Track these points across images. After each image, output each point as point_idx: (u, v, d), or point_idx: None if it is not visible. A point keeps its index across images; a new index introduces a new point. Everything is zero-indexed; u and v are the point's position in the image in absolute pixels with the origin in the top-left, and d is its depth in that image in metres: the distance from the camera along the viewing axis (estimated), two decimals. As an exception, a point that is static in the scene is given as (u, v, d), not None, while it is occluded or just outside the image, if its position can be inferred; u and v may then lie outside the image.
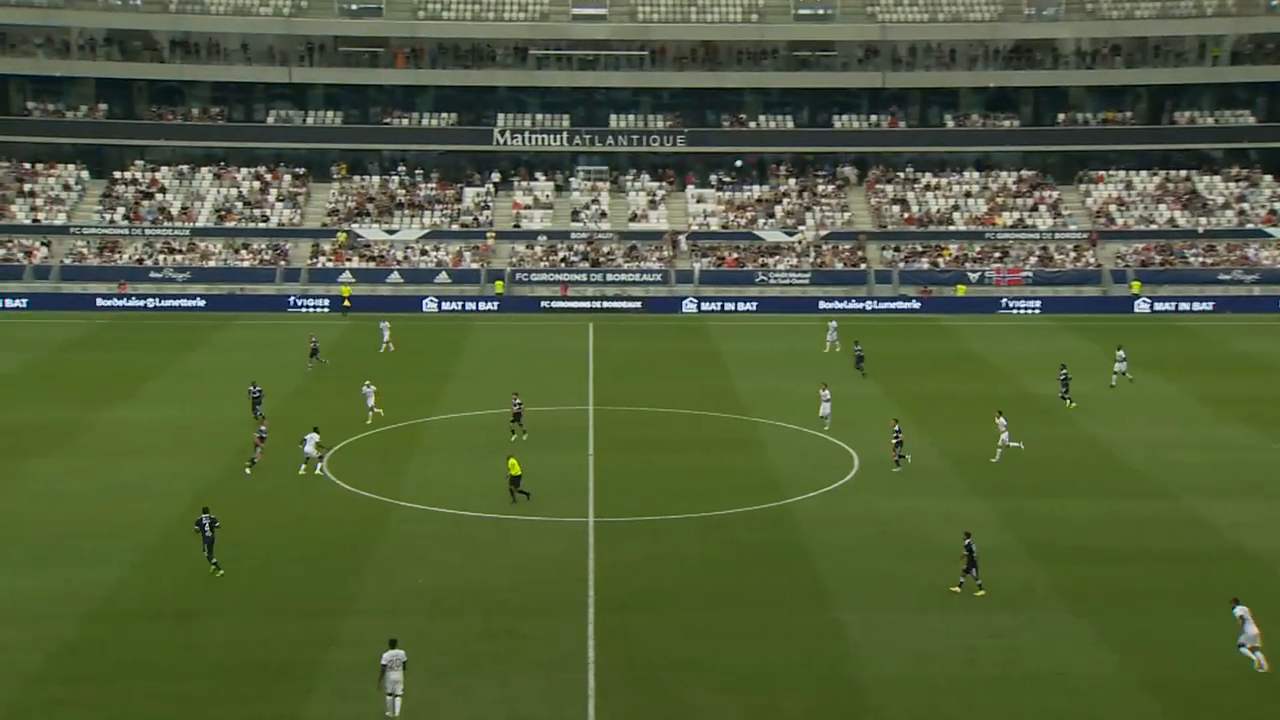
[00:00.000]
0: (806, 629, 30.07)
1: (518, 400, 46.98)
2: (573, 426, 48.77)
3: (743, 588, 32.65)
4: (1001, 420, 43.96)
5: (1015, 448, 43.51)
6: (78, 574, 32.80)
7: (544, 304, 77.08)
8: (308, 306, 76.14)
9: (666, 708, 26.24)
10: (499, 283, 78.19)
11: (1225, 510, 38.56)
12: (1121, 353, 55.83)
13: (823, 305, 75.85)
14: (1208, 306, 75.95)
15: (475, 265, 79.98)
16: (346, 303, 74.77)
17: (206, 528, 33.15)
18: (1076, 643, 29.36)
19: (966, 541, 32.09)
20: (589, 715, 25.89)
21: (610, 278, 79.24)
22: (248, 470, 41.70)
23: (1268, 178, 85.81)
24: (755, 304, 77.03)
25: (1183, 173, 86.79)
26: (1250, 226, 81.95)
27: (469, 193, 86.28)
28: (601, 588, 32.44)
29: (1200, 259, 79.72)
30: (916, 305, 76.88)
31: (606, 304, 77.05)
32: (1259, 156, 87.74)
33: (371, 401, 49.08)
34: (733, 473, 42.39)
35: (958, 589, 32.02)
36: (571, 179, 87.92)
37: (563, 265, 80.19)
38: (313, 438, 42.21)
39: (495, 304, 77.01)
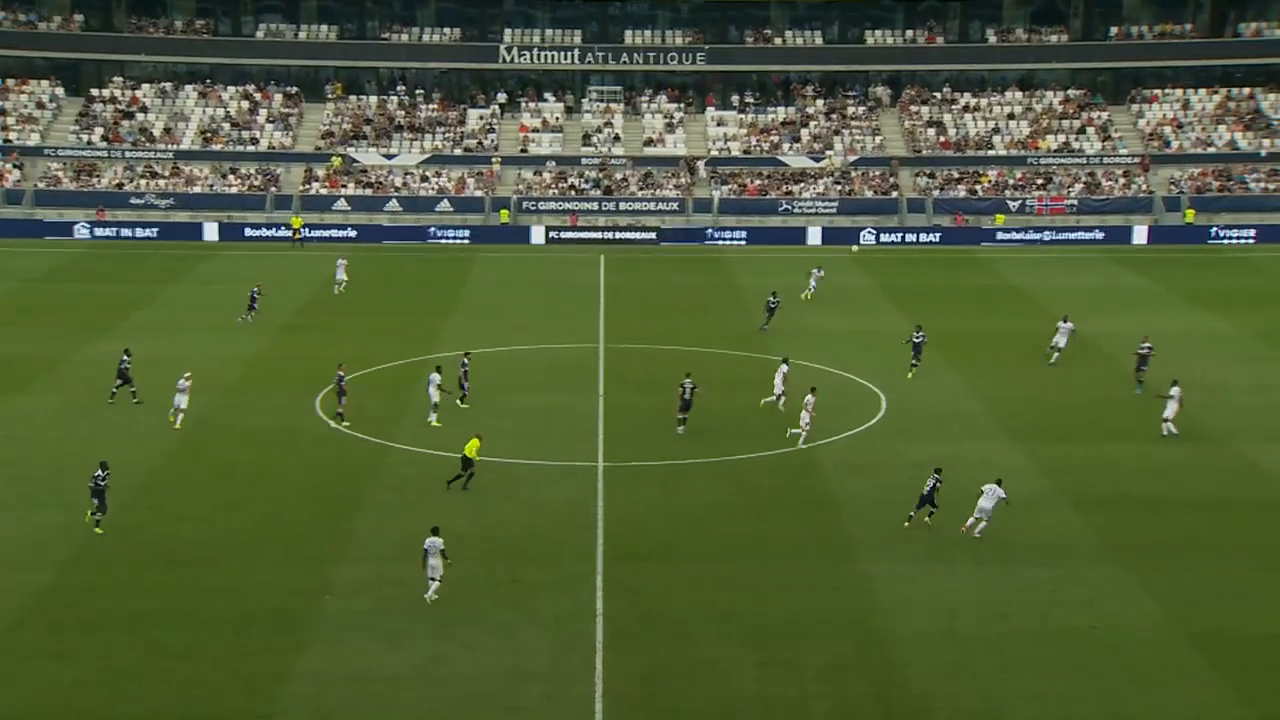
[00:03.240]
0: (830, 581, 30.24)
1: (466, 362, 43.39)
2: (582, 365, 48.89)
3: (762, 537, 32.82)
4: (810, 398, 39.67)
5: (797, 433, 39.38)
6: (60, 518, 33.11)
7: (553, 234, 76.93)
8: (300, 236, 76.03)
9: (679, 663, 26.49)
10: (504, 211, 78.04)
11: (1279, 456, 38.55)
12: (1068, 324, 48.68)
13: (864, 238, 75.53)
14: (1271, 235, 75.30)
15: (479, 193, 79.79)
16: (297, 235, 74.47)
17: (100, 480, 32.24)
18: (1118, 596, 29.47)
19: (933, 479, 32.99)
20: (597, 669, 26.15)
21: (624, 207, 78.99)
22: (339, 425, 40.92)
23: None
24: (778, 234, 76.73)
25: (1245, 90, 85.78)
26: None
27: (473, 114, 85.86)
28: (611, 536, 32.65)
29: (1262, 184, 78.96)
30: (951, 236, 76.46)
31: (619, 235, 76.89)
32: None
33: (182, 401, 40.69)
34: (753, 415, 42.45)
35: (928, 520, 32.95)
36: (583, 100, 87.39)
37: (573, 193, 79.92)
38: (435, 379, 41.43)
39: (500, 234, 76.89)
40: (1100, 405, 43.79)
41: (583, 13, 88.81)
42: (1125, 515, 34.12)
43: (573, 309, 58.70)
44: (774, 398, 42.43)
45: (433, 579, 28.61)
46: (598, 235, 76.73)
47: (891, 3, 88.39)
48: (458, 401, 42.69)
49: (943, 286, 63.58)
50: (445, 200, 78.96)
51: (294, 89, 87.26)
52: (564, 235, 76.82)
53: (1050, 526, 33.41)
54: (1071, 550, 32.01)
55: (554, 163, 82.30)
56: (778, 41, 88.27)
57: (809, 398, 39.68)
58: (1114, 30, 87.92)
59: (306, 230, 74.90)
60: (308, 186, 79.96)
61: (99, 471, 32.50)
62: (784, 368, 42.83)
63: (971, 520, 32.55)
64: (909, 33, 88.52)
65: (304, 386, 44.64)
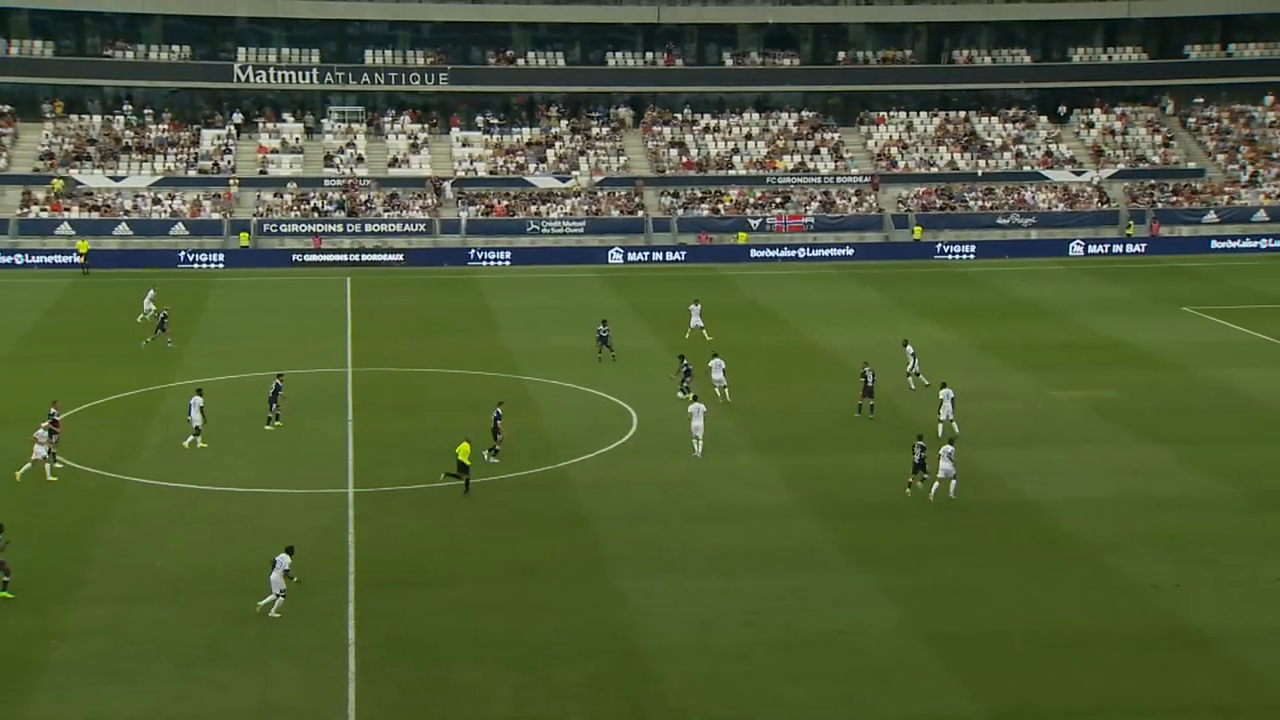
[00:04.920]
0: (584, 599, 30.42)
1: (279, 383, 43.11)
2: (329, 390, 47.86)
3: (516, 558, 32.75)
4: (697, 406, 41.00)
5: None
6: None
7: (295, 258, 75.14)
8: (19, 263, 72.05)
9: (434, 688, 26.18)
10: (244, 234, 75.78)
11: (1005, 460, 40.70)
12: (910, 349, 49.54)
13: (612, 257, 76.58)
14: (988, 251, 79.76)
15: (216, 215, 77.24)
16: (82, 259, 70.97)
17: None
18: (859, 600, 30.61)
19: (919, 448, 37.05)
20: (349, 701, 25.59)
21: (369, 228, 77.79)
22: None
23: (1043, 119, 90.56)
24: (527, 255, 76.93)
25: (962, 114, 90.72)
26: (1028, 169, 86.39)
27: (207, 135, 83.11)
28: (363, 563, 32.05)
29: (979, 202, 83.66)
30: (696, 254, 78.15)
31: (365, 257, 75.70)
32: (1035, 97, 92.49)
33: (41, 451, 37.38)
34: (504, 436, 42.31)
35: (921, 485, 36.81)
36: (323, 120, 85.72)
37: (315, 215, 78.22)
38: (197, 401, 40.30)
39: (240, 258, 74.62)
40: (841, 417, 45.38)
41: (320, 32, 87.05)
42: (866, 522, 35.49)
43: (318, 333, 57.41)
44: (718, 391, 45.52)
45: (275, 594, 28.83)
46: (343, 258, 75.32)
47: (631, 25, 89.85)
48: (274, 422, 42.49)
49: (689, 303, 64.79)
50: (180, 224, 76.07)
51: (7, 108, 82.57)
52: (308, 258, 75.11)
53: (796, 535, 34.46)
54: (817, 558, 33.07)
55: (295, 184, 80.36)
56: (520, 62, 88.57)
57: (696, 405, 40.70)
58: (841, 55, 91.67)
59: (85, 260, 70.82)
60: (26, 210, 75.71)
61: None
62: (719, 360, 46.38)
63: (937, 485, 36.44)
64: (649, 55, 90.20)
65: (24, 421, 42.09)
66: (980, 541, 34.22)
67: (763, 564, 32.56)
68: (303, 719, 25.01)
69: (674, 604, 30.16)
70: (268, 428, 42.52)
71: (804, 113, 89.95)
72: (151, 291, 59.71)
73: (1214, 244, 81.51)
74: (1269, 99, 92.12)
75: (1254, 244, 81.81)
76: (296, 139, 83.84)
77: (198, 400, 40.52)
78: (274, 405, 42.71)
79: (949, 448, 36.99)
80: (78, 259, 70.95)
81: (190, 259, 73.92)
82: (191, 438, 40.32)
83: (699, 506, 36.55)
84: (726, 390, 45.90)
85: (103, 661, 26.79)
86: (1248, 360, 54.18)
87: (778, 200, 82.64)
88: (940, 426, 42.23)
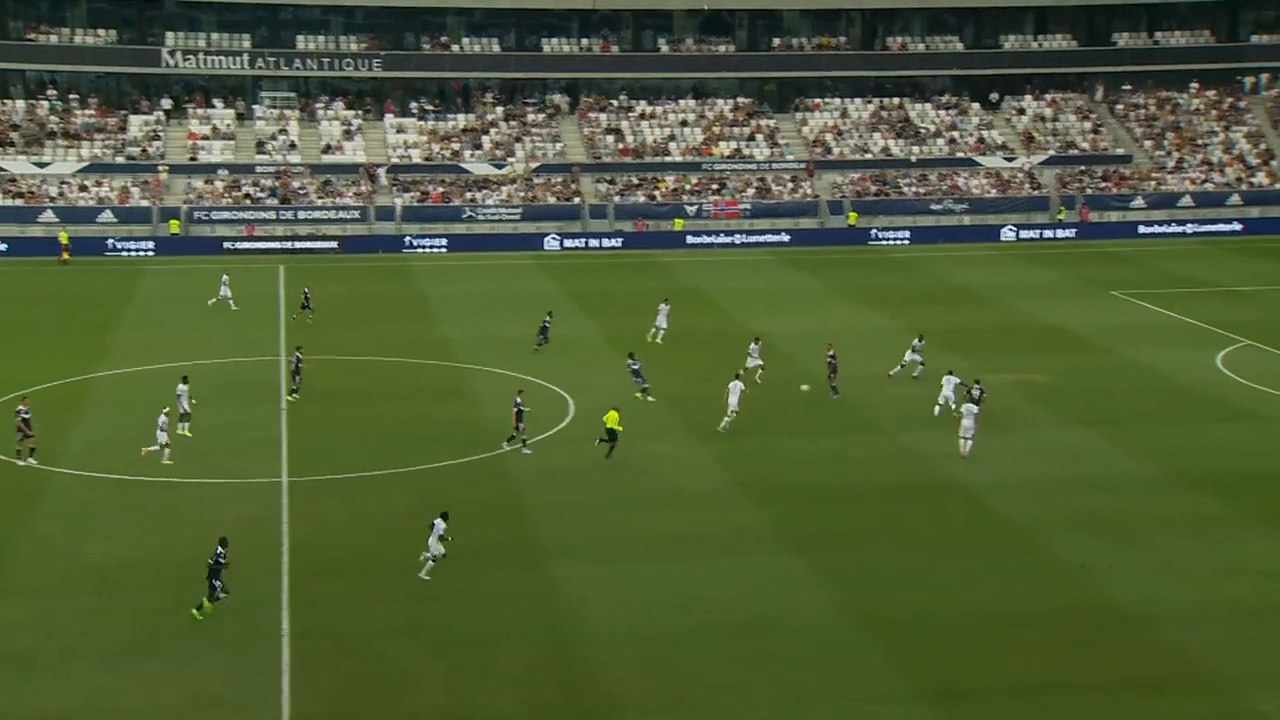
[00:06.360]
0: (522, 587, 30.38)
1: (300, 356, 44.81)
2: (262, 379, 47.39)
3: (452, 546, 32.53)
4: (735, 384, 42.29)
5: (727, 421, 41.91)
6: None
7: (227, 245, 74.25)
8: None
9: (369, 677, 26.05)
10: (174, 222, 74.76)
11: (936, 443, 41.06)
12: (919, 342, 49.25)
13: (549, 244, 76.38)
14: (922, 236, 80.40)
15: (145, 202, 76.12)
16: (65, 255, 69.61)
17: (221, 558, 28.59)
18: (793, 583, 30.80)
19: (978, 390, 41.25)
20: (283, 691, 25.41)
21: (302, 215, 77.00)
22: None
23: (975, 105, 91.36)
24: (463, 242, 76.56)
25: (896, 100, 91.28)
26: (960, 155, 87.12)
27: (135, 121, 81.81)
28: (297, 553, 31.80)
29: (913, 188, 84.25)
30: (633, 240, 78.14)
31: (299, 244, 74.95)
32: (968, 84, 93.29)
33: (163, 437, 37.69)
34: (440, 424, 42.20)
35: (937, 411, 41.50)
36: (255, 106, 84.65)
37: (247, 202, 77.33)
38: (183, 389, 40.42)
39: (170, 246, 73.61)
40: (776, 402, 45.58)
41: (251, 16, 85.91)
42: (799, 506, 35.70)
43: (251, 321, 56.78)
44: (754, 367, 47.15)
45: (428, 557, 30.13)
46: (276, 245, 74.54)
47: (566, 11, 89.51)
48: (289, 396, 43.66)
49: (626, 290, 64.89)
50: (108, 211, 74.90)
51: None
52: (240, 246, 74.27)
53: (730, 520, 34.59)
54: (750, 542, 33.23)
55: (226, 171, 79.34)
56: (455, 48, 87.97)
57: (734, 383, 41.91)
58: (776, 42, 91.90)
59: (68, 255, 69.55)
60: (-49, 197, 74.28)
61: (219, 549, 28.57)
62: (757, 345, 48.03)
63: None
64: (585, 41, 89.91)
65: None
66: (911, 524, 34.52)
67: (697, 549, 32.67)
68: (236, 710, 24.79)
69: (609, 590, 30.20)
70: (290, 398, 43.71)
71: (740, 99, 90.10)
72: (226, 276, 59.98)
73: (1141, 229, 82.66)
74: (1194, 86, 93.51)
75: (1180, 229, 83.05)
76: (227, 125, 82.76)
77: (183, 388, 40.56)
78: (296, 379, 43.92)
79: (974, 407, 39.62)
80: (63, 254, 69.70)
81: (119, 247, 72.81)
82: (183, 425, 40.25)
83: (634, 493, 36.59)
84: (761, 373, 47.12)
85: (27, 656, 26.41)
86: (1173, 343, 55.07)
87: (714, 187, 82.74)
88: (938, 409, 43.07)
